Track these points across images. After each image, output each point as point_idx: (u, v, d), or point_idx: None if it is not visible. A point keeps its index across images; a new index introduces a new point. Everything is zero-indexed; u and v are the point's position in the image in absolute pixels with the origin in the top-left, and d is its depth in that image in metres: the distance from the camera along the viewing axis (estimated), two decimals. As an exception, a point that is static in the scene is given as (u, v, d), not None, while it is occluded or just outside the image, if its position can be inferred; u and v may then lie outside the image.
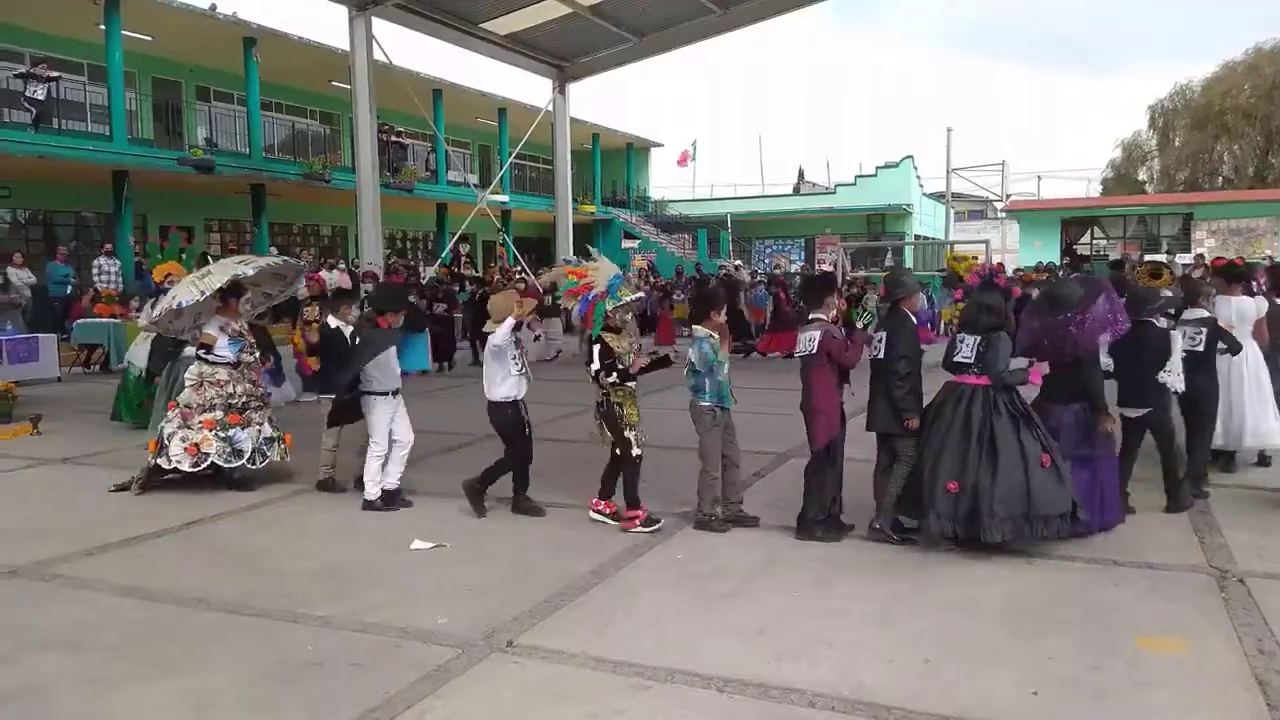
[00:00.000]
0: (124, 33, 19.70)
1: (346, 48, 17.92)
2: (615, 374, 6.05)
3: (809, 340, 5.81)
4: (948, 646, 4.25)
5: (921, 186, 39.93)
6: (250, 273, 7.54)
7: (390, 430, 6.71)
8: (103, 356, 15.14)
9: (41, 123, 18.71)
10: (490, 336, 6.45)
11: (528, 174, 33.23)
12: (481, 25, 19.52)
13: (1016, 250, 34.34)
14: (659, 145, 41.43)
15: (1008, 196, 38.41)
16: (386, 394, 6.70)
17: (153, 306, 8.99)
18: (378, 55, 17.66)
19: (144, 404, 9.49)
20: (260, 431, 7.34)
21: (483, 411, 6.62)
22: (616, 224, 36.24)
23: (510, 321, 6.33)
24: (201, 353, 7.28)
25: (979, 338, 5.64)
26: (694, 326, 6.21)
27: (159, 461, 7.12)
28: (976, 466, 5.39)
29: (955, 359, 5.73)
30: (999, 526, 5.31)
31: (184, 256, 12.39)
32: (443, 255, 24.73)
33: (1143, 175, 45.75)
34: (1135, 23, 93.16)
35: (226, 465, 7.14)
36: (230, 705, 3.79)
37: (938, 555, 5.51)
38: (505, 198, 28.36)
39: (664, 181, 44.07)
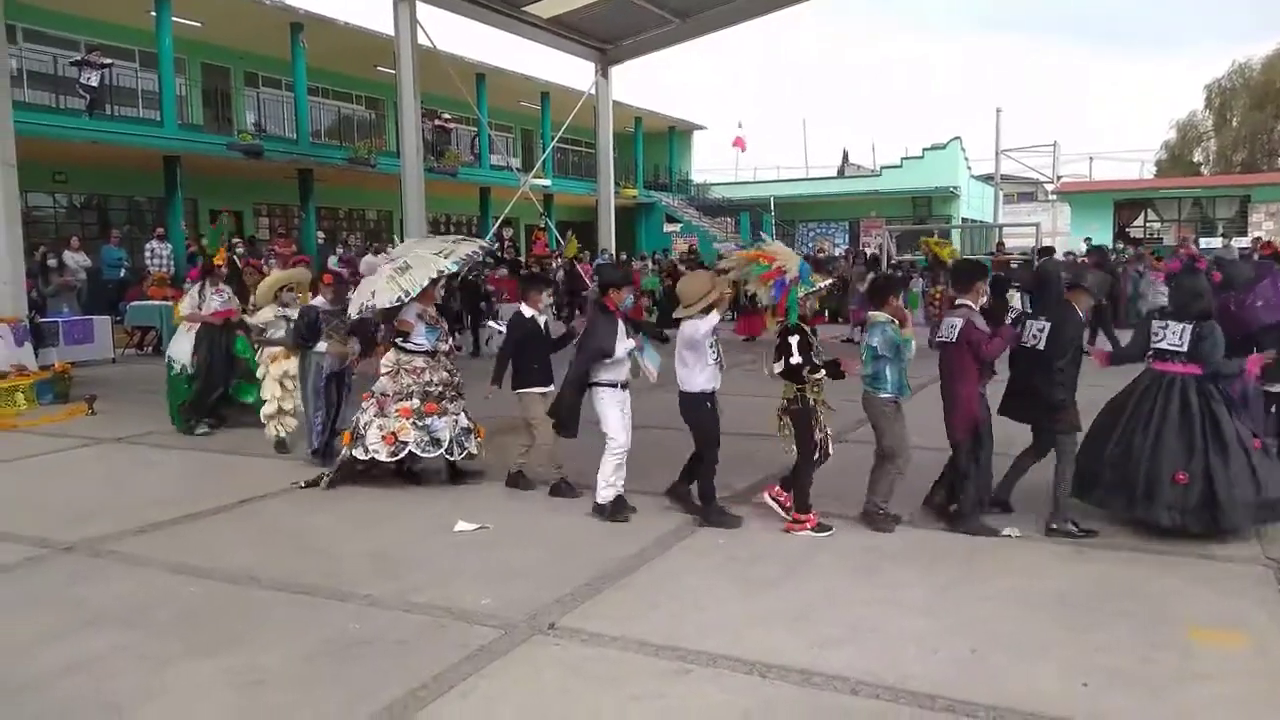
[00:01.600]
0: (174, 19, 20.01)
1: (391, 32, 18.01)
2: (819, 369, 5.61)
3: (950, 327, 5.65)
4: (994, 636, 4.20)
5: (969, 168, 39.28)
6: (454, 268, 7.02)
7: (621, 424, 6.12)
8: (155, 339, 15.45)
9: (95, 109, 19.09)
10: (685, 323, 5.84)
11: (570, 158, 33.24)
12: (524, 8, 19.52)
13: (1067, 233, 33.70)
14: (702, 128, 41.19)
15: (1059, 178, 37.66)
16: (615, 385, 6.10)
17: (200, 293, 8.99)
18: (422, 40, 17.73)
19: (184, 406, 9.06)
20: (457, 421, 6.90)
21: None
22: (658, 207, 36.15)
23: (710, 322, 5.80)
24: (399, 340, 6.85)
25: (1188, 325, 5.46)
26: (871, 313, 5.90)
27: (355, 453, 6.77)
28: (1205, 455, 5.29)
29: (1159, 345, 5.58)
30: (1240, 514, 5.26)
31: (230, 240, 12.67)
32: (487, 239, 24.84)
33: (1198, 156, 44.63)
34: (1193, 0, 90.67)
35: (424, 454, 6.76)
36: (281, 682, 3.85)
37: (986, 545, 5.45)
38: (548, 182, 28.41)
39: (706, 164, 43.90)
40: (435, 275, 6.73)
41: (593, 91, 22.89)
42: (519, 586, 4.85)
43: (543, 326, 6.68)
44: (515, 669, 3.94)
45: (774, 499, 5.91)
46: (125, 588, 4.97)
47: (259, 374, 8.36)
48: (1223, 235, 27.26)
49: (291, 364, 8.00)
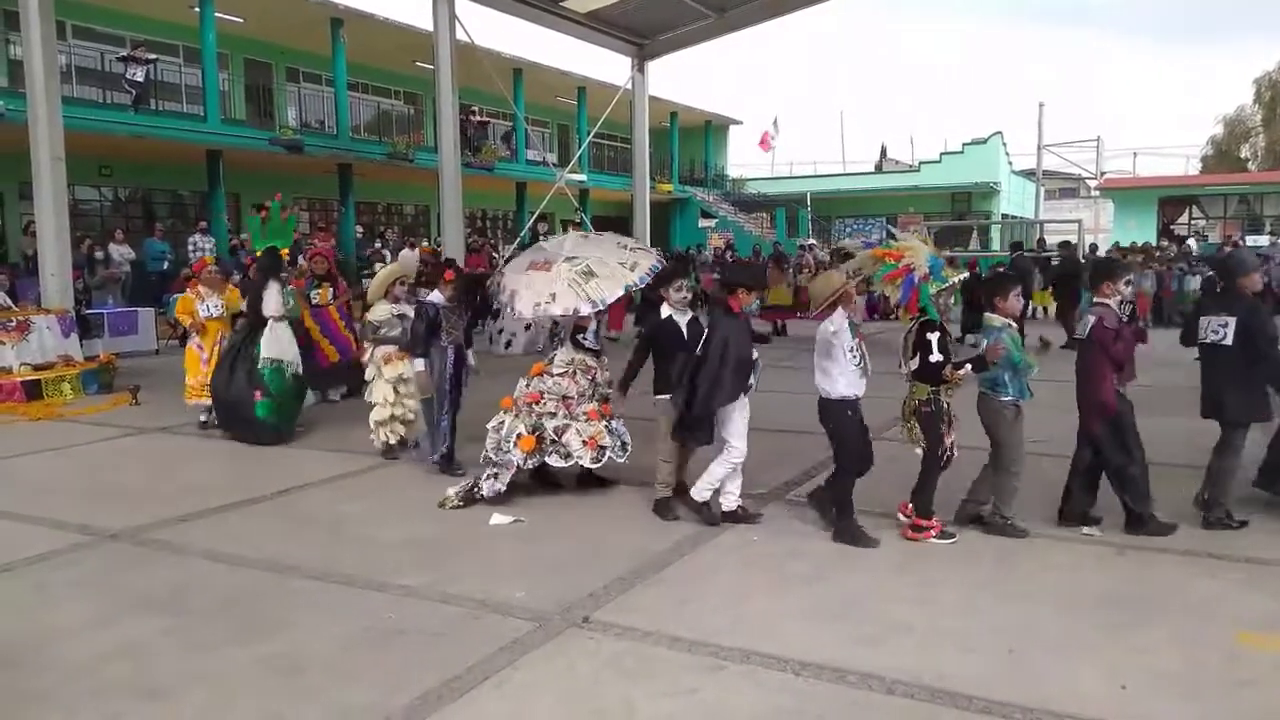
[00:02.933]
0: (217, 15, 20.31)
1: (430, 28, 18.13)
2: (963, 366, 5.36)
3: (1086, 325, 5.56)
4: (1033, 636, 4.14)
5: (1010, 164, 38.82)
6: (641, 284, 6.47)
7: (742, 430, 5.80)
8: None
9: (140, 104, 19.43)
10: (823, 326, 5.53)
11: (605, 153, 33.29)
12: (561, 3, 19.55)
13: (1110, 230, 33.16)
14: (738, 123, 41.07)
15: (1102, 174, 37.06)
16: (744, 390, 5.76)
17: (283, 291, 8.37)
18: (460, 35, 17.82)
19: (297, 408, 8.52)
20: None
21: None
22: (694, 203, 36.10)
23: (839, 320, 5.44)
24: (580, 337, 6.47)
25: None
26: (986, 314, 5.67)
27: (549, 460, 6.24)
28: None
29: None
30: None
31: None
32: (522, 234, 24.96)
33: (1245, 152, 43.71)
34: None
35: (618, 459, 6.31)
36: (319, 669, 3.90)
37: (1024, 544, 5.37)
38: (583, 177, 28.46)
39: (742, 159, 43.81)
40: (622, 293, 6.38)
41: (629, 86, 22.88)
42: (553, 579, 4.87)
43: (682, 325, 6.00)
44: (549, 662, 3.96)
45: (907, 515, 5.57)
46: (167, 575, 5.05)
47: (368, 375, 7.80)
48: (1270, 233, 26.69)
49: (399, 370, 7.54)
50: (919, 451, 5.52)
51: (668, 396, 5.92)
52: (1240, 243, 19.11)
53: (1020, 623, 4.30)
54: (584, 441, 6.18)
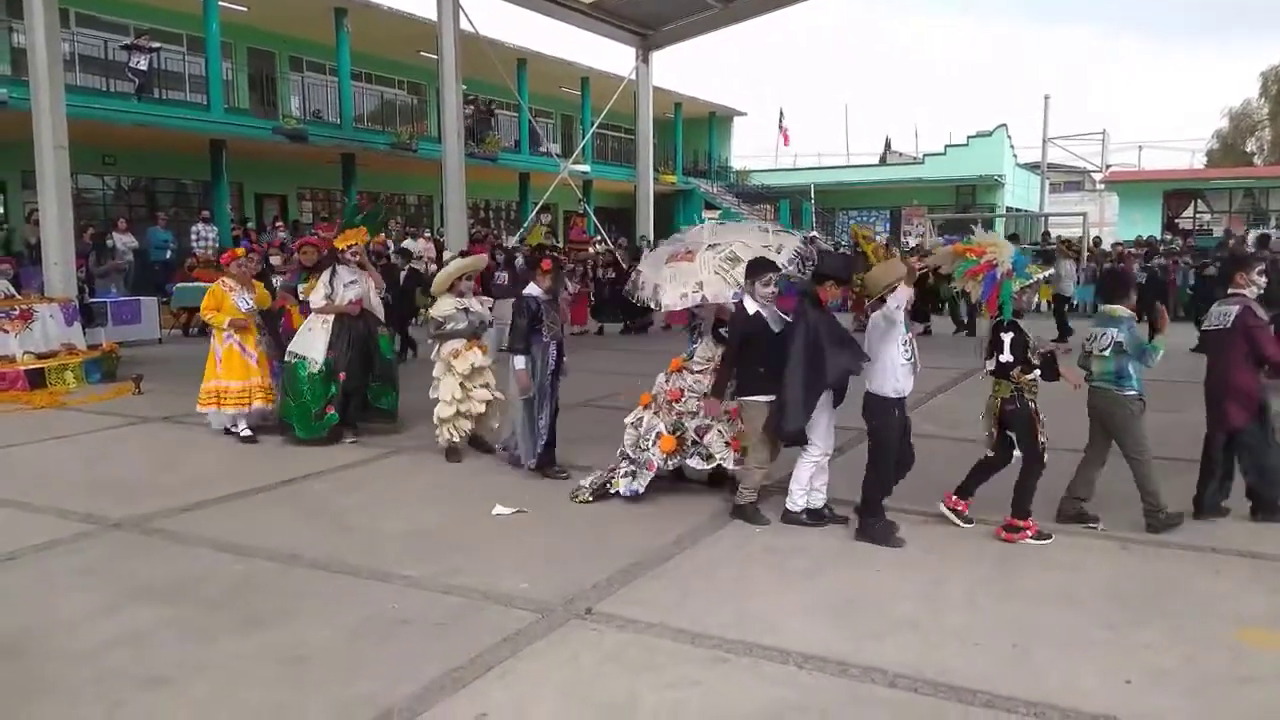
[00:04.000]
0: (220, 3, 20.26)
1: (434, 17, 18.08)
2: (1033, 369, 5.26)
3: (1223, 315, 5.54)
4: (1037, 632, 4.14)
5: (1015, 157, 38.70)
6: (790, 268, 6.06)
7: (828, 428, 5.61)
8: (201, 320, 15.68)
9: (143, 93, 19.39)
10: (877, 314, 5.40)
11: (609, 144, 33.20)
12: (566, -7, 19.51)
13: (1115, 224, 33.08)
14: (742, 114, 40.93)
15: (1107, 167, 36.96)
16: (829, 387, 5.48)
17: (331, 281, 7.78)
18: (464, 25, 17.77)
19: (323, 412, 7.79)
20: None
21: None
22: (697, 194, 36.02)
23: (901, 296, 5.22)
24: (722, 330, 6.12)
25: None
26: (1108, 306, 5.60)
27: (691, 462, 5.99)
28: None
29: None
30: None
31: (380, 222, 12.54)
32: (525, 224, 24.94)
33: (1251, 146, 43.51)
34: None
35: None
36: (322, 659, 3.91)
37: (1024, 544, 5.35)
38: (587, 168, 28.40)
39: (746, 151, 43.66)
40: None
41: (633, 77, 22.81)
42: (556, 571, 4.88)
43: (769, 321, 5.68)
44: (552, 653, 3.96)
45: (951, 509, 5.55)
46: (171, 564, 5.06)
47: (435, 372, 7.41)
48: (1276, 227, 26.61)
49: (470, 360, 7.23)
50: (989, 452, 5.46)
51: (761, 398, 5.59)
52: (1239, 236, 19.03)
53: (1023, 618, 4.31)
54: (727, 442, 5.91)
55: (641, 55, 22.58)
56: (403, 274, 13.07)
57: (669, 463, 6.01)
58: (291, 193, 25.82)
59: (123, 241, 17.27)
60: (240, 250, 8.68)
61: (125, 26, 20.79)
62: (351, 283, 7.88)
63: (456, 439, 7.32)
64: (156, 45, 19.86)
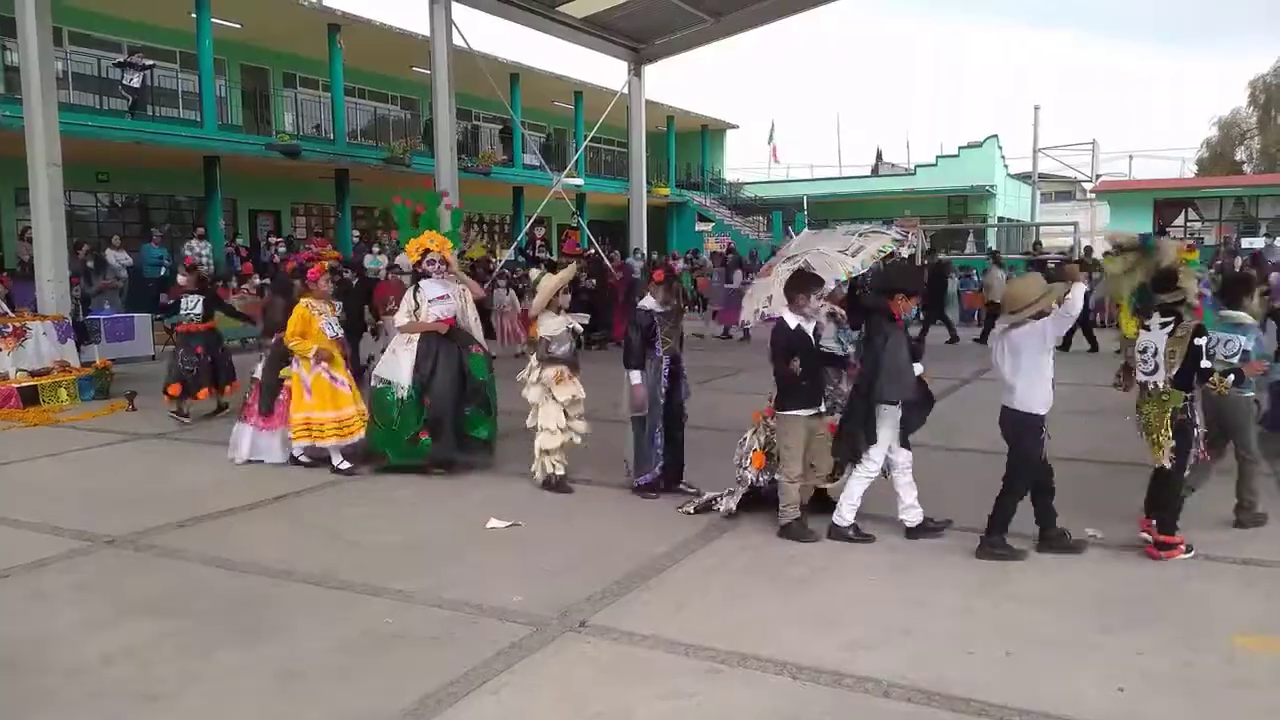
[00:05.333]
0: (214, 20, 20.30)
1: (427, 33, 18.16)
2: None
3: None
4: (1030, 639, 4.15)
5: (1006, 167, 38.88)
6: (863, 269, 6.02)
7: (889, 446, 5.53)
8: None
9: (137, 110, 19.42)
10: (1020, 333, 5.15)
11: (602, 157, 33.30)
12: (558, 8, 19.59)
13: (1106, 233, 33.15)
14: (734, 127, 41.10)
15: (1097, 177, 37.12)
16: (896, 401, 5.45)
17: (416, 296, 7.22)
18: (457, 40, 17.84)
19: (417, 437, 7.11)
20: None
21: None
22: (690, 207, 36.11)
23: (1068, 307, 5.05)
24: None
25: None
26: (1232, 313, 5.64)
27: (778, 477, 5.70)
28: None
29: None
30: None
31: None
32: (519, 238, 24.99)
33: (1240, 155, 43.78)
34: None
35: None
36: (316, 673, 3.91)
37: (1017, 547, 5.37)
38: (580, 181, 28.47)
39: (739, 163, 43.80)
40: (843, 277, 5.88)
41: (625, 91, 22.91)
42: (550, 584, 4.87)
43: (811, 334, 5.59)
44: (546, 666, 3.96)
45: (1146, 532, 5.30)
46: (165, 580, 5.05)
47: (532, 396, 6.76)
48: (1266, 235, 26.76)
49: (571, 391, 6.70)
50: (1166, 464, 5.19)
51: (802, 412, 5.53)
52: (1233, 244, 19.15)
53: (1017, 625, 4.32)
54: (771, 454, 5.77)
55: (634, 69, 22.68)
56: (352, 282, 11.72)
57: (761, 479, 5.86)
58: (285, 208, 25.84)
59: (117, 259, 17.27)
60: (324, 264, 7.86)
61: (118, 44, 20.84)
62: (440, 298, 7.20)
63: (561, 471, 6.75)
64: (150, 63, 19.91)
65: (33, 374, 10.99)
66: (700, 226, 34.43)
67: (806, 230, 7.09)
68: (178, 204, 23.52)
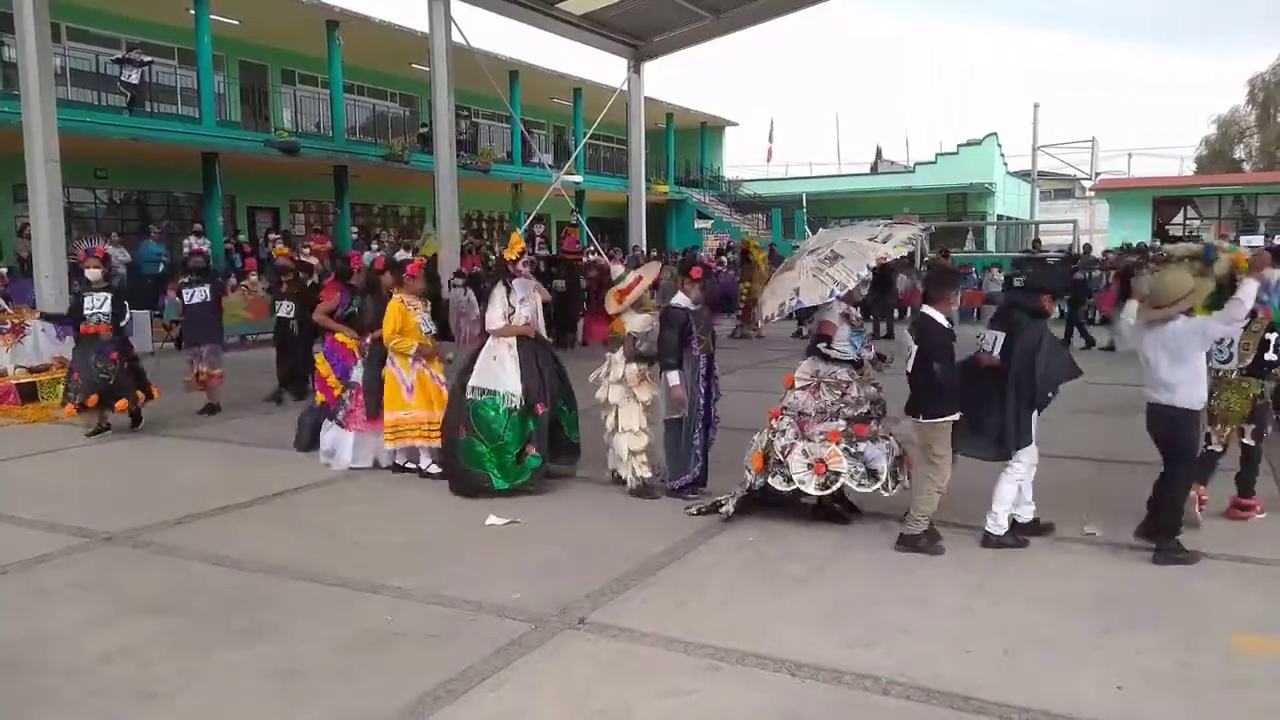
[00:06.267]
0: (212, 17, 20.27)
1: (426, 30, 18.12)
2: None
3: None
4: (1029, 637, 4.15)
5: (1006, 165, 38.89)
6: (896, 253, 5.84)
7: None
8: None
9: (135, 106, 19.38)
10: (1173, 328, 5.12)
11: (601, 154, 33.27)
12: (557, 5, 19.55)
13: (1105, 231, 33.23)
14: (734, 124, 41.07)
15: (1097, 175, 37.12)
16: (1054, 396, 5.35)
17: (509, 298, 6.70)
18: (456, 37, 17.81)
19: (523, 453, 6.55)
20: (890, 449, 5.64)
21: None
22: (690, 204, 36.10)
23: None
24: (822, 346, 5.72)
25: None
26: None
27: (772, 482, 5.63)
28: None
29: None
30: None
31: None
32: (520, 234, 24.92)
33: (1240, 153, 43.76)
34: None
35: (859, 488, 5.56)
36: (315, 672, 3.90)
37: (1022, 548, 5.36)
38: (579, 178, 28.45)
39: (738, 160, 43.80)
40: (874, 264, 5.63)
41: (625, 88, 22.89)
42: (549, 581, 4.87)
43: (947, 329, 5.43)
44: (545, 664, 3.96)
45: (1244, 509, 5.84)
46: (163, 577, 5.05)
47: (613, 396, 6.59)
48: (1265, 234, 26.76)
49: (652, 391, 6.57)
50: (1251, 443, 5.74)
51: (953, 417, 5.31)
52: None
53: (1016, 624, 4.32)
54: (810, 465, 5.49)
55: (633, 66, 22.64)
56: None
57: (758, 480, 5.71)
58: (284, 205, 25.81)
59: (115, 255, 17.23)
60: (421, 259, 7.58)
61: (117, 40, 20.80)
62: (522, 300, 6.85)
63: (648, 474, 6.54)
64: (148, 59, 19.87)
65: (31, 370, 10.97)
66: (699, 224, 34.45)
67: (823, 229, 6.95)
68: (176, 200, 23.49)
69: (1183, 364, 5.11)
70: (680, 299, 6.39)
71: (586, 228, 24.78)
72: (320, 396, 7.89)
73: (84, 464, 7.93)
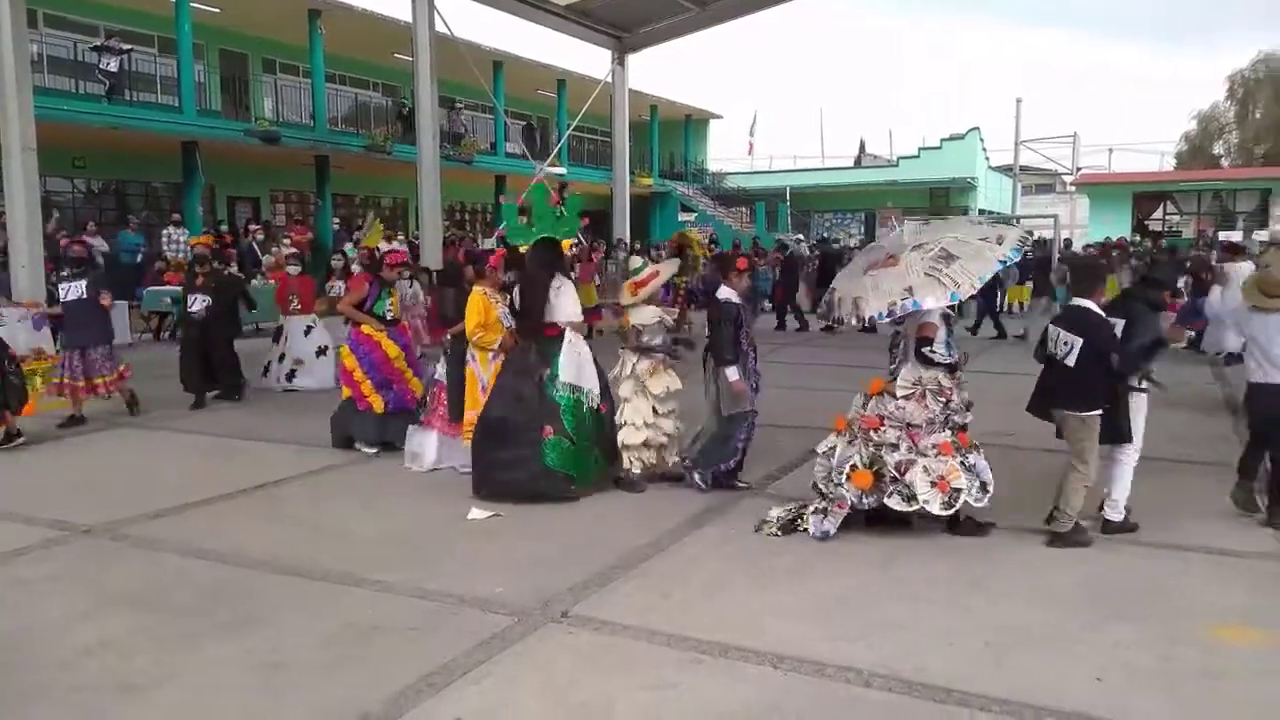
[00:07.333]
0: (193, 5, 20.07)
1: (409, 19, 18.01)
2: None
3: None
4: (1012, 630, 4.17)
5: (988, 159, 39.07)
6: (1015, 256, 5.50)
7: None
8: (172, 324, 15.52)
9: (114, 95, 19.17)
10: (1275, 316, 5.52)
11: (586, 146, 33.18)
12: (542, -5, 19.49)
13: (1086, 226, 33.45)
14: (718, 117, 41.04)
15: (1078, 170, 37.34)
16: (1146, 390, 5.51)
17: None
18: (439, 27, 17.71)
19: (593, 450, 6.44)
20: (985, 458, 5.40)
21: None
22: (674, 197, 36.07)
23: None
24: (926, 350, 5.40)
25: None
26: None
27: (889, 501, 5.27)
28: None
29: None
30: None
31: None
32: (500, 227, 24.85)
33: (1219, 149, 44.16)
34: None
35: (976, 504, 5.29)
36: (298, 665, 3.88)
37: (1003, 540, 5.40)
38: (563, 170, 28.37)
39: (722, 154, 43.78)
40: (996, 270, 5.42)
41: (609, 79, 22.83)
42: (532, 574, 4.86)
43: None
44: (527, 657, 3.95)
45: None
46: (143, 570, 5.01)
47: (622, 392, 6.51)
48: (1242, 229, 27.01)
49: (666, 383, 6.46)
50: None
51: (1099, 412, 5.30)
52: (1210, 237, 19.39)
53: (998, 616, 4.34)
54: (933, 482, 5.20)
55: (617, 58, 22.59)
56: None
57: (864, 500, 5.34)
58: (264, 195, 25.61)
59: (93, 245, 17.05)
60: (502, 251, 7.18)
61: (95, 28, 20.55)
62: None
63: (636, 470, 6.46)
64: (127, 47, 19.65)
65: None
66: (683, 217, 34.41)
67: (909, 222, 6.78)
68: (154, 190, 23.27)
69: (1275, 347, 5.54)
70: (727, 292, 6.26)
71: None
72: (346, 391, 7.71)
73: (62, 456, 7.84)
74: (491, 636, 4.10)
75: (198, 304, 9.88)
